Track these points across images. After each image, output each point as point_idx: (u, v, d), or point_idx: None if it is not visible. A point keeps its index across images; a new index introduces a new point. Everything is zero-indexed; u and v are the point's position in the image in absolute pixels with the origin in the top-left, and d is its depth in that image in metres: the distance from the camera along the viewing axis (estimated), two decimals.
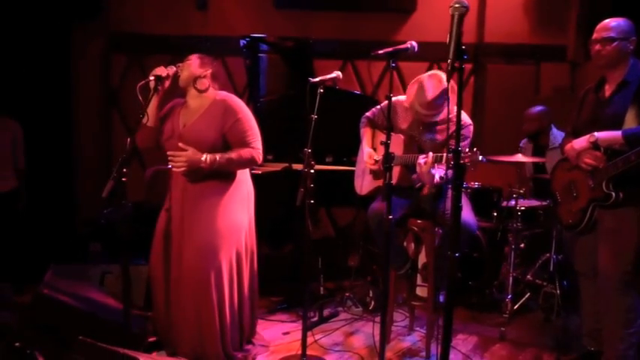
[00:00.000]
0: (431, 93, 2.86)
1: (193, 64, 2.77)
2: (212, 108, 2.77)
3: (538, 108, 4.19)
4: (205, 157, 2.66)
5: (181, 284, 2.76)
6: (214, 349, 2.75)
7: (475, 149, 2.26)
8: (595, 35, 2.66)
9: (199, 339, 2.75)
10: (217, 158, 2.68)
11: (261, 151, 2.80)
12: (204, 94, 2.79)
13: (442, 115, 3.01)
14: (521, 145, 4.25)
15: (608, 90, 2.70)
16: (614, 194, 2.56)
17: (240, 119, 2.75)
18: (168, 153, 2.72)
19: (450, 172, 2.68)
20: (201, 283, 2.71)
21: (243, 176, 2.89)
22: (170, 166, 2.75)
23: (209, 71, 2.78)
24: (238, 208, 2.83)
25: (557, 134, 3.97)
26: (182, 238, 2.77)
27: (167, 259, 2.81)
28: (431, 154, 2.75)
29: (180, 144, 2.69)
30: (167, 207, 2.83)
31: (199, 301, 2.72)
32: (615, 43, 2.59)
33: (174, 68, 2.74)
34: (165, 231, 2.81)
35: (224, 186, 2.80)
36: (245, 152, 2.74)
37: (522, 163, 3.94)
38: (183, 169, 2.69)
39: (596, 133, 2.60)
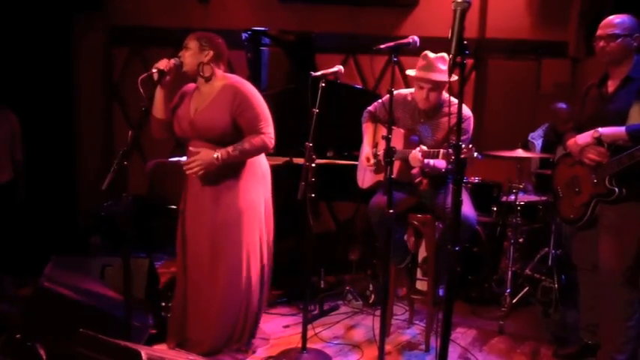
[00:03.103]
0: (433, 55, 2.96)
1: (193, 51, 2.71)
2: (222, 93, 2.74)
3: (564, 105, 4.22)
4: (217, 155, 2.65)
5: (209, 265, 2.79)
6: (227, 328, 2.82)
7: (471, 146, 2.27)
8: (599, 32, 2.65)
9: (216, 320, 2.80)
10: (230, 152, 2.67)
11: (272, 135, 2.78)
12: (212, 80, 2.77)
13: (443, 109, 3.05)
14: (530, 138, 4.25)
15: (611, 86, 2.70)
16: (617, 190, 2.57)
17: (251, 105, 2.72)
18: (182, 163, 2.71)
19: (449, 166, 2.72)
20: (230, 261, 2.75)
21: (257, 157, 2.88)
22: (186, 172, 2.74)
23: (210, 54, 2.72)
24: (254, 188, 2.84)
25: None
26: (201, 223, 2.79)
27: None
28: (423, 147, 2.81)
29: (191, 148, 2.68)
30: (182, 208, 2.84)
31: (228, 280, 2.77)
32: (619, 40, 2.59)
33: (175, 60, 2.70)
34: (184, 233, 2.83)
35: (239, 168, 2.79)
36: (256, 140, 2.73)
37: (528, 157, 3.95)
38: (200, 173, 2.68)
39: (600, 129, 2.60)
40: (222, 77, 2.78)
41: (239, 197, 2.77)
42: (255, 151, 2.78)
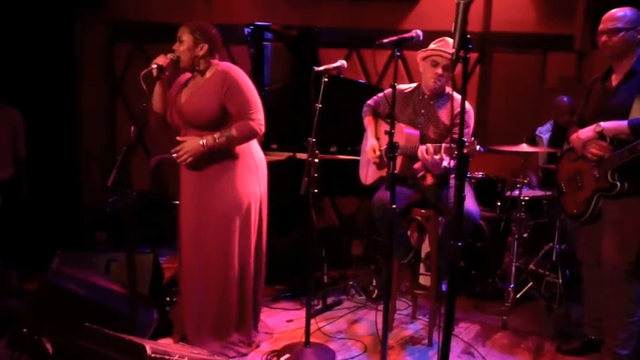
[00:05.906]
0: (451, 40, 2.91)
1: (187, 45, 2.71)
2: (211, 79, 2.74)
3: (566, 98, 4.20)
4: (203, 142, 2.66)
5: (204, 259, 2.81)
6: (228, 323, 2.84)
7: (473, 139, 2.26)
8: (601, 26, 2.64)
9: (218, 312, 2.82)
10: (216, 138, 2.66)
11: (261, 121, 2.76)
12: (206, 70, 2.78)
13: (445, 101, 3.04)
14: (538, 133, 4.23)
15: (615, 80, 2.69)
16: (619, 184, 2.56)
17: (240, 90, 2.71)
18: (172, 151, 2.72)
19: (452, 161, 2.71)
20: (223, 254, 2.77)
21: (248, 149, 2.86)
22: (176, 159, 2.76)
23: (205, 47, 2.72)
24: (248, 181, 2.83)
25: None
26: (201, 220, 2.81)
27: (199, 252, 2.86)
28: (430, 145, 2.78)
29: (177, 137, 2.71)
30: (179, 202, 2.85)
31: (221, 274, 2.79)
32: (622, 34, 2.58)
33: (172, 56, 2.70)
34: (195, 228, 2.83)
35: (232, 161, 2.79)
36: (245, 126, 2.70)
37: (533, 152, 3.93)
38: (189, 160, 2.68)
39: (602, 123, 2.59)
40: (215, 65, 2.78)
41: (231, 190, 2.77)
42: (244, 138, 2.74)
